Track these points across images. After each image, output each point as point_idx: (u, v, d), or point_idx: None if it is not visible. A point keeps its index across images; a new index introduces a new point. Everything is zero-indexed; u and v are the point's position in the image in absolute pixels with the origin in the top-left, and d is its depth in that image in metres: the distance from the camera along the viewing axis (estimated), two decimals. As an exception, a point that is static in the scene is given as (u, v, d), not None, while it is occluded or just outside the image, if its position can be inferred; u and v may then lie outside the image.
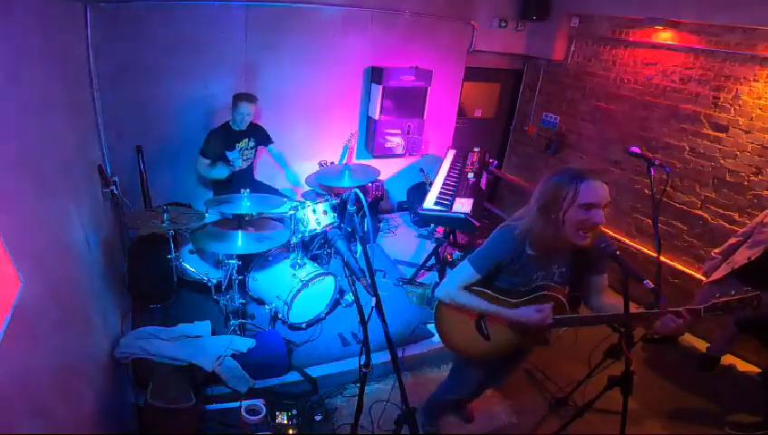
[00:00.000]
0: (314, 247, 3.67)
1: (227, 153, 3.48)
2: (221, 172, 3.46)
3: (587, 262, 1.71)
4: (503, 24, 4.80)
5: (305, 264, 3.12)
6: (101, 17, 3.15)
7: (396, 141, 4.63)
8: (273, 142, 3.73)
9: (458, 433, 2.63)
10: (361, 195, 2.01)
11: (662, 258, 3.27)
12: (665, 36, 3.85)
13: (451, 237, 3.97)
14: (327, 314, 3.24)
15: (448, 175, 3.82)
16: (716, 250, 3.10)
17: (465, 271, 1.75)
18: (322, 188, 3.78)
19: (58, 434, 1.35)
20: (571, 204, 1.49)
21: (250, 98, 3.36)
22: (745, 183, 3.43)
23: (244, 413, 2.30)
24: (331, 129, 4.42)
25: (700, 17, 3.52)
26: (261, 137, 3.66)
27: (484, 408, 2.78)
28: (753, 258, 2.77)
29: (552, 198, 1.53)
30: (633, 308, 1.60)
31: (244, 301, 3.05)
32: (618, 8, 4.14)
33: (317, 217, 3.21)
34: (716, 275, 2.97)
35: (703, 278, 3.22)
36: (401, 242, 4.58)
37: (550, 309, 1.65)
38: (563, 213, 1.51)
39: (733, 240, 3.00)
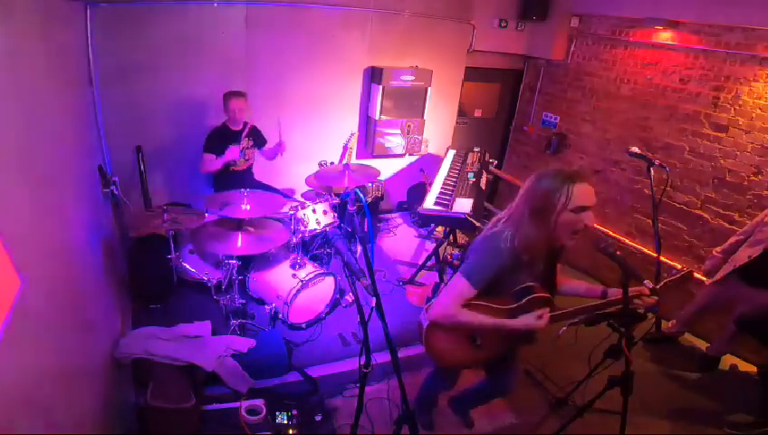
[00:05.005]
0: (314, 247, 3.67)
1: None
2: (224, 160, 3.39)
3: (552, 255, 1.74)
4: (503, 25, 4.80)
5: (305, 264, 3.12)
6: (101, 17, 3.14)
7: (396, 141, 4.63)
8: (266, 145, 3.76)
9: (459, 433, 2.63)
10: (361, 194, 2.01)
11: (662, 258, 3.28)
12: (665, 36, 3.85)
13: (451, 237, 3.97)
14: (327, 314, 3.24)
15: (448, 175, 3.82)
16: (717, 249, 3.10)
17: (461, 288, 1.66)
18: (322, 188, 3.79)
19: (58, 434, 1.35)
20: (563, 208, 1.50)
21: (238, 94, 3.37)
22: (745, 183, 3.43)
23: (244, 413, 2.30)
24: (331, 129, 4.42)
25: (700, 17, 3.53)
26: (258, 138, 3.67)
27: (483, 408, 2.78)
28: (753, 257, 2.78)
29: (544, 203, 1.53)
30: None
31: (244, 301, 3.05)
32: (618, 8, 4.14)
33: (317, 217, 3.21)
34: (718, 275, 2.98)
35: (703, 278, 3.22)
36: (401, 242, 4.58)
37: (548, 313, 1.68)
38: (557, 216, 1.52)
39: (733, 239, 3.00)
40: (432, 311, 1.74)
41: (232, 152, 3.38)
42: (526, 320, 1.69)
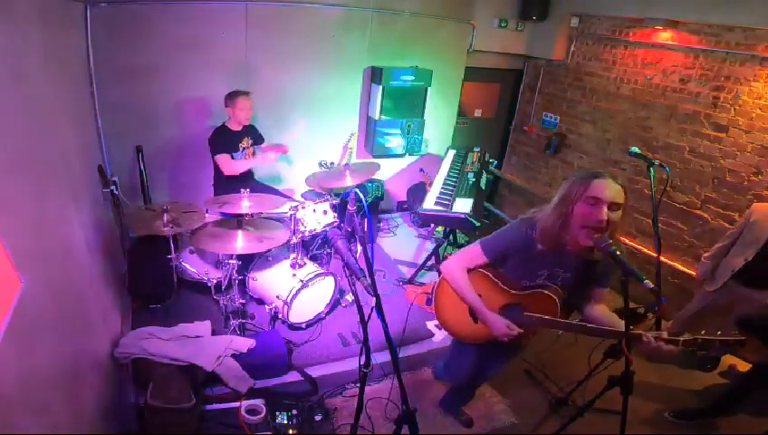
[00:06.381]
0: (314, 247, 3.67)
1: (233, 154, 3.48)
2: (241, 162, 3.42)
3: (593, 274, 1.74)
4: (503, 24, 4.80)
5: (305, 264, 3.12)
6: (101, 17, 3.15)
7: (396, 141, 4.63)
8: (263, 142, 3.75)
9: (459, 433, 2.63)
10: (361, 194, 2.00)
11: (662, 258, 3.28)
12: (665, 36, 3.85)
13: (451, 237, 3.97)
14: (327, 314, 3.24)
15: (448, 175, 3.82)
16: (706, 255, 3.08)
17: (473, 251, 1.85)
18: (322, 188, 3.78)
19: (58, 434, 1.35)
20: (580, 197, 1.56)
21: (245, 93, 3.35)
22: (745, 183, 3.43)
23: (244, 413, 2.30)
24: (331, 129, 4.41)
25: (700, 17, 3.53)
26: (256, 136, 3.66)
27: (484, 408, 2.78)
28: (749, 259, 2.77)
29: (566, 193, 1.62)
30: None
31: (244, 301, 3.05)
32: (618, 8, 4.14)
33: (317, 217, 3.21)
34: (718, 283, 2.95)
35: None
36: (401, 242, 4.58)
37: (515, 333, 1.79)
38: (573, 205, 1.58)
39: (720, 244, 2.97)
40: (445, 262, 1.97)
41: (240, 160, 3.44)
42: (496, 319, 1.81)
